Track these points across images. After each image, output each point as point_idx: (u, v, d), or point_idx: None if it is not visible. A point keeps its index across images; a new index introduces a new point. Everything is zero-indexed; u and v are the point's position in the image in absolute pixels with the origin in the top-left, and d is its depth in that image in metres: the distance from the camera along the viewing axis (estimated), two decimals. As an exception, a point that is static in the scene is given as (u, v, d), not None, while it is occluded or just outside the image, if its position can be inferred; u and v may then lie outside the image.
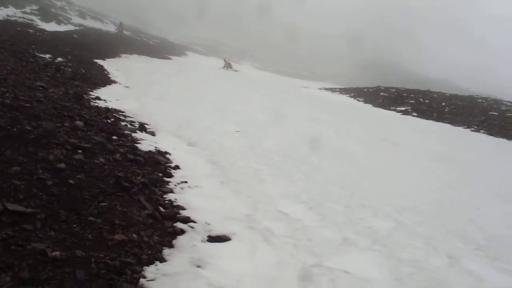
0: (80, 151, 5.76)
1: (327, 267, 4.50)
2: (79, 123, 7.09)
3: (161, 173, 6.36)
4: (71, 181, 4.66)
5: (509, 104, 30.25)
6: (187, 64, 39.49)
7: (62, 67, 13.39)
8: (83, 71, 14.76)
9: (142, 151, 7.12)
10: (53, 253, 3.36)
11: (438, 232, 6.38)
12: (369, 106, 27.93)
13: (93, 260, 3.50)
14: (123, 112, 10.09)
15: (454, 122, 23.91)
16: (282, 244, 4.89)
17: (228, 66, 37.70)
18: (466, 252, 5.82)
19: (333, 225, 5.79)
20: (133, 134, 8.11)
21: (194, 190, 6.01)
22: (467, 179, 10.96)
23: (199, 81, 23.75)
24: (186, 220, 4.91)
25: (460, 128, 22.73)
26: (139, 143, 7.64)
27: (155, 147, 7.68)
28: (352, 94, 33.96)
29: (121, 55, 28.19)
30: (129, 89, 14.42)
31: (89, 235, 3.86)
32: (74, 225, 3.91)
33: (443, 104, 28.81)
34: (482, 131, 22.11)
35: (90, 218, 4.12)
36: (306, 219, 5.82)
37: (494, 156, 15.80)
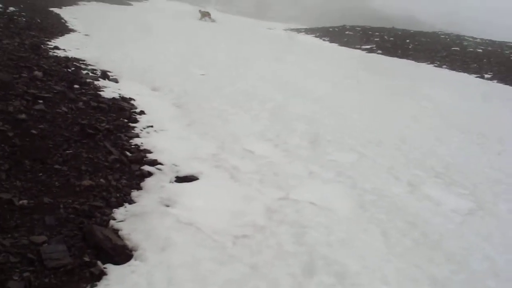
0: (40, 101, 5.66)
1: (293, 199, 4.68)
2: (38, 73, 6.91)
3: (126, 119, 6.33)
4: (33, 131, 4.62)
5: (471, 39, 30.75)
6: (148, 9, 38.19)
7: (15, 17, 12.83)
8: (39, 20, 14.18)
9: (106, 98, 7.03)
10: (20, 202, 3.40)
11: (399, 162, 6.66)
12: (334, 45, 27.88)
13: (61, 206, 3.56)
14: (83, 60, 9.84)
15: (417, 58, 24.19)
16: (249, 180, 5.03)
17: (203, 16, 33.53)
18: (425, 179, 6.14)
19: (299, 160, 5.96)
20: (96, 82, 7.96)
21: (160, 134, 6.04)
22: (427, 112, 11.27)
23: (162, 26, 23.07)
24: (153, 162, 4.97)
25: (423, 64, 23.03)
26: (102, 90, 7.52)
27: (119, 94, 7.58)
28: (318, 34, 33.74)
29: (79, 2, 27.08)
30: (89, 37, 13.97)
31: (56, 183, 3.89)
32: (40, 174, 3.93)
33: (407, 41, 29.02)
34: (445, 66, 22.51)
35: (56, 166, 4.13)
36: (272, 155, 5.96)
37: (455, 90, 16.15)
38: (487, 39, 31.85)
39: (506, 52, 25.63)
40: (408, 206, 5.07)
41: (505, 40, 31.28)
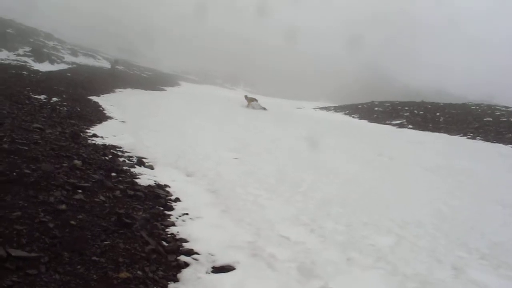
0: (80, 190, 5.79)
1: (332, 289, 4.52)
2: (78, 162, 7.13)
3: (162, 206, 6.39)
4: (72, 222, 4.69)
5: (503, 109, 30.48)
6: (181, 93, 39.76)
7: (57, 107, 13.52)
8: (79, 109, 14.88)
9: (142, 185, 7.16)
10: (59, 297, 3.38)
11: (440, 244, 6.42)
12: (364, 121, 28.10)
13: (99, 300, 3.52)
14: (120, 147, 10.16)
15: (449, 131, 24.06)
16: (286, 269, 4.90)
17: (250, 101, 30.61)
18: (470, 261, 5.87)
19: (336, 246, 5.82)
20: (132, 169, 8.16)
21: (195, 221, 6.03)
22: (466, 187, 11.00)
23: (194, 110, 23.88)
24: (189, 252, 4.93)
25: (456, 136, 22.84)
26: (138, 178, 7.68)
27: (154, 181, 7.71)
28: (347, 111, 34.24)
29: (115, 90, 28.43)
30: (125, 124, 14.51)
31: (94, 275, 3.87)
32: (78, 266, 3.93)
33: (438, 114, 29.05)
34: (478, 138, 22.23)
35: (94, 257, 4.14)
36: (308, 241, 5.84)
37: (492, 162, 15.85)
38: (520, 107, 31.48)
39: (541, 119, 25.16)
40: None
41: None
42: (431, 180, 11.54)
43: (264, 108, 29.81)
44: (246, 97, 31.44)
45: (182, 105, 25.83)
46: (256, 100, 30.89)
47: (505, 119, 25.70)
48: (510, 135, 21.98)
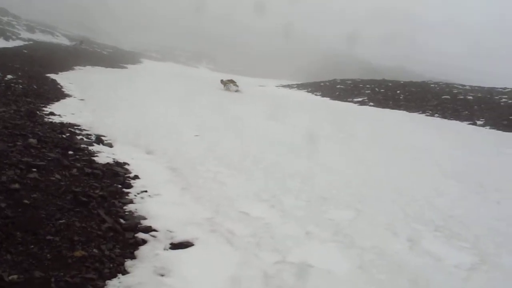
0: (34, 169, 5.64)
1: (290, 263, 4.59)
2: (33, 140, 6.93)
3: (120, 184, 6.29)
4: (26, 201, 4.57)
5: (460, 87, 31.40)
6: (142, 71, 39.02)
7: (12, 84, 13.04)
8: (35, 86, 14.40)
9: (100, 163, 7.02)
10: (10, 277, 3.30)
11: (397, 218, 6.59)
12: (326, 99, 28.35)
13: (53, 279, 3.45)
14: (78, 125, 9.91)
15: (409, 108, 24.61)
16: (245, 244, 4.94)
17: (227, 84, 28.90)
18: (425, 233, 6.07)
19: (295, 220, 5.89)
20: (90, 147, 7.98)
21: (154, 199, 5.98)
22: (423, 163, 11.31)
23: (155, 88, 23.49)
24: (148, 229, 4.89)
25: (415, 114, 23.37)
26: (97, 156, 7.53)
27: (113, 159, 7.58)
28: (310, 89, 34.44)
29: (75, 67, 27.64)
30: (84, 102, 14.14)
31: (48, 255, 3.80)
32: (32, 246, 3.84)
33: (398, 92, 29.61)
34: (437, 115, 22.86)
35: (48, 237, 4.06)
36: (268, 217, 5.90)
37: (449, 138, 16.34)
38: (476, 86, 32.56)
39: (496, 97, 26.15)
40: (409, 264, 4.98)
41: (494, 86, 31.98)
42: (390, 157, 11.81)
43: (238, 90, 28.14)
44: (222, 81, 29.53)
45: (144, 84, 25.36)
46: (233, 81, 29.07)
47: (462, 97, 26.50)
48: (466, 112, 22.71)
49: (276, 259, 4.65)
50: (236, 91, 28.06)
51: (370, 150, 12.54)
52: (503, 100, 25.09)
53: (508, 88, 29.91)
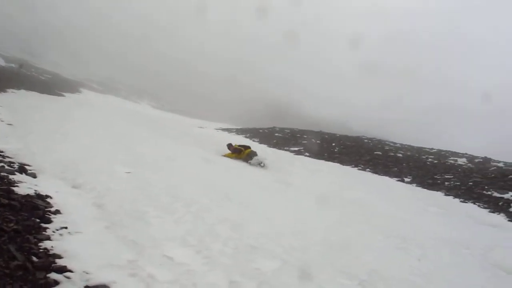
0: None
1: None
2: None
3: (39, 218, 5.89)
4: None
5: (391, 144, 32.97)
6: (80, 102, 38.04)
7: None
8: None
9: (19, 195, 6.58)
10: None
11: (324, 271, 6.64)
12: (264, 146, 28.68)
13: None
14: (1, 152, 9.34)
15: (342, 161, 25.35)
16: (165, 291, 4.74)
17: (245, 154, 19.17)
18: (349, 288, 6.14)
19: (220, 268, 5.77)
20: (11, 176, 7.49)
21: (74, 236, 5.65)
22: (354, 216, 11.60)
23: (92, 120, 22.85)
24: (62, 269, 4.58)
25: (348, 167, 24.11)
26: (17, 185, 7.06)
27: (35, 190, 7.13)
28: (248, 134, 34.79)
29: (7, 90, 26.45)
30: (12, 127, 13.43)
31: None
32: None
33: (333, 144, 30.54)
34: (368, 169, 23.69)
35: None
36: (193, 263, 5.73)
37: (379, 193, 16.92)
38: (406, 144, 34.30)
39: (423, 157, 27.57)
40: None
41: (422, 146, 33.84)
42: (323, 208, 12.01)
43: (262, 166, 18.32)
44: (230, 146, 20.05)
45: (81, 115, 24.62)
46: (250, 148, 19.81)
47: (392, 154, 27.72)
48: (396, 169, 23.73)
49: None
50: (261, 165, 18.46)
51: (303, 201, 12.70)
52: (430, 159, 26.50)
53: (434, 149, 31.75)
